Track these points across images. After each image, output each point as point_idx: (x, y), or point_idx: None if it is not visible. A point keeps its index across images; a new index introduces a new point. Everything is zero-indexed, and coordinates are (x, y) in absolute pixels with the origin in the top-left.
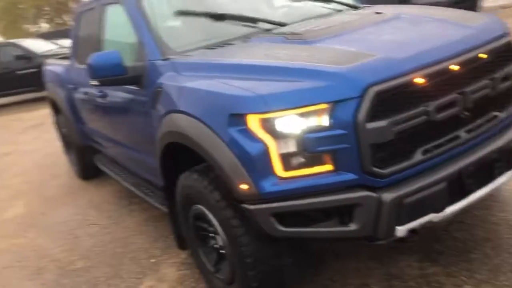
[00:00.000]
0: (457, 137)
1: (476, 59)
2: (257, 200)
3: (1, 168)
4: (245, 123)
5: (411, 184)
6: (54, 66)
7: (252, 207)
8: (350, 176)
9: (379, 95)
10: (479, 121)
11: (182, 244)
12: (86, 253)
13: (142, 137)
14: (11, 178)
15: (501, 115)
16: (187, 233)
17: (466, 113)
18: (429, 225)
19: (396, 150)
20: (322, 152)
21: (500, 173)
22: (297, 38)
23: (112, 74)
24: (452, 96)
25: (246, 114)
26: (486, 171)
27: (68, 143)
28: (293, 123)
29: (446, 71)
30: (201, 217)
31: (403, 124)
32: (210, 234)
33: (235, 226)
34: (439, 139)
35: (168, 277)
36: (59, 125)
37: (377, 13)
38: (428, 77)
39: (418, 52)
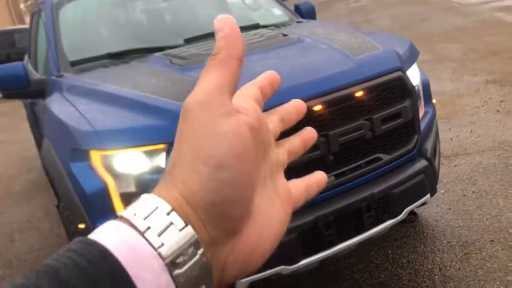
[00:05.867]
0: None
1: (349, 97)
2: None
3: None
4: (87, 159)
5: None
6: None
7: None
8: None
9: None
10: (353, 165)
11: None
12: (10, 259)
13: None
14: None
15: (384, 157)
16: None
17: (331, 157)
18: (277, 278)
19: None
20: None
21: (372, 225)
22: (178, 64)
23: (15, 87)
24: None
25: (87, 149)
26: (352, 222)
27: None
28: (132, 162)
29: (308, 111)
30: None
31: None
32: None
33: None
34: None
35: None
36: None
37: (284, 35)
38: None
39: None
